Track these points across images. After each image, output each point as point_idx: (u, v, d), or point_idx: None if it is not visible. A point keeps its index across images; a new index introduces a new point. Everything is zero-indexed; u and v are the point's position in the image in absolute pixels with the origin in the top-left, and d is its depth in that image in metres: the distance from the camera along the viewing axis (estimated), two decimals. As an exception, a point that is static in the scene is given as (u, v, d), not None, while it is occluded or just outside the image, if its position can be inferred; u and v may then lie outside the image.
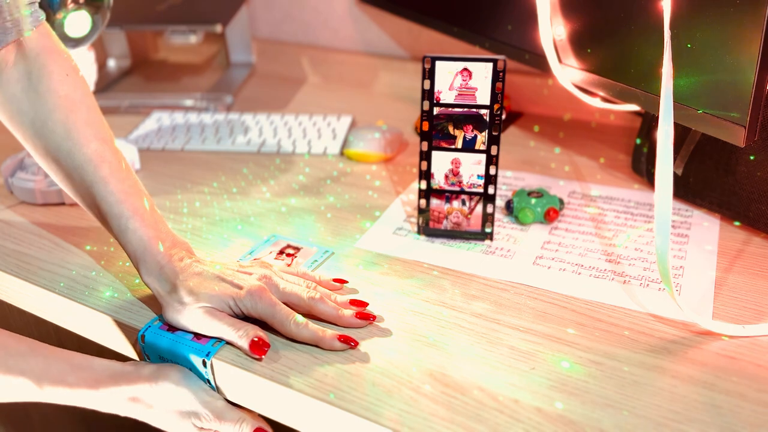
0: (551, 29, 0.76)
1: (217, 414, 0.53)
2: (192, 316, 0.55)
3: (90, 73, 0.80)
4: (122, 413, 0.55)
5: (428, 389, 0.50)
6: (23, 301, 0.66)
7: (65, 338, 0.99)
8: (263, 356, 0.53)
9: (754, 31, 0.54)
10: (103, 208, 0.59)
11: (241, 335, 0.54)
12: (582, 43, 0.73)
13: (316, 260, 0.66)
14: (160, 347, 0.55)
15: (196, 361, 0.54)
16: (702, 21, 0.58)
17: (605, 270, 0.64)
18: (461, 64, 0.64)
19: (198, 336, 0.55)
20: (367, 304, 0.59)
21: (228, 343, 0.55)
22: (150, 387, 0.54)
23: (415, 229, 0.71)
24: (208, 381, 0.55)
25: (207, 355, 0.53)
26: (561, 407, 0.48)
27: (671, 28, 0.55)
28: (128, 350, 0.60)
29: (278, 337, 0.55)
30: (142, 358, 0.58)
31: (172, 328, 0.56)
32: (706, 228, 0.71)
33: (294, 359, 0.53)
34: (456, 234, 0.69)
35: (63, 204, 0.77)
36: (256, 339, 0.53)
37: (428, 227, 0.70)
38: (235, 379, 0.53)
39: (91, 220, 0.74)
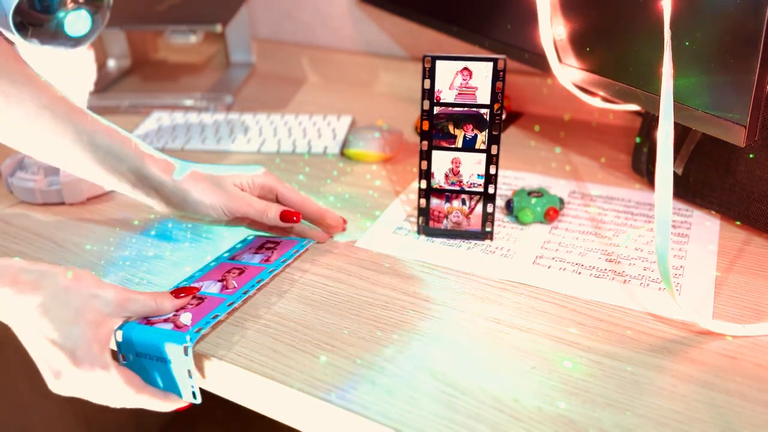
0: (551, 29, 0.76)
1: (74, 358, 0.50)
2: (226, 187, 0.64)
3: (90, 73, 0.80)
4: None
5: (429, 388, 0.50)
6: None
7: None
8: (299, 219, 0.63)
9: (755, 31, 0.54)
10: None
11: (268, 206, 0.64)
12: (582, 43, 0.73)
13: (297, 250, 0.66)
14: (135, 341, 0.54)
15: (176, 352, 0.52)
16: (702, 20, 0.58)
17: (605, 270, 0.64)
18: (461, 64, 0.64)
19: (178, 325, 0.54)
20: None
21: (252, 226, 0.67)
22: (28, 294, 0.50)
23: (415, 228, 0.71)
24: (190, 375, 0.53)
25: (189, 341, 0.52)
26: (562, 406, 0.48)
27: (671, 27, 0.55)
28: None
29: (279, 338, 0.56)
30: (116, 359, 0.55)
31: (150, 322, 0.55)
32: (707, 227, 0.71)
33: (294, 359, 0.53)
34: (456, 233, 0.69)
35: (63, 204, 0.77)
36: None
37: (428, 227, 0.70)
38: (234, 378, 0.53)
39: (91, 220, 0.74)
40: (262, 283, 0.61)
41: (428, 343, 0.54)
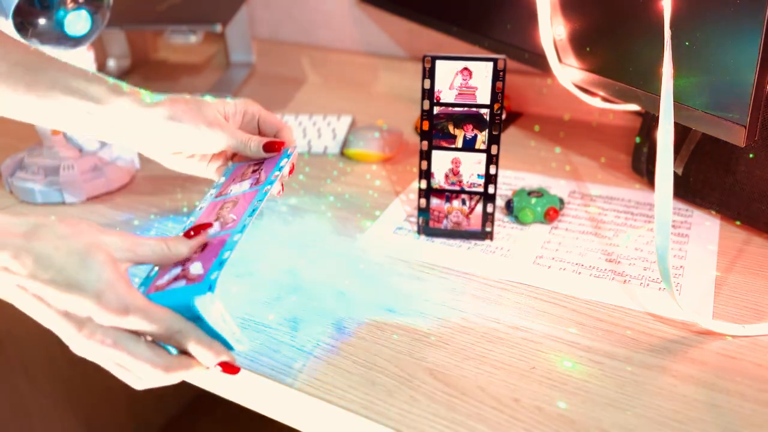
0: (551, 29, 0.76)
1: (113, 307, 0.45)
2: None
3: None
4: None
5: (429, 389, 0.50)
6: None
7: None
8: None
9: (754, 31, 0.54)
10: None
11: (250, 139, 0.62)
12: (582, 43, 0.73)
13: (286, 159, 0.62)
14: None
15: (205, 304, 0.47)
16: (702, 20, 0.58)
17: (605, 270, 0.64)
18: (461, 64, 0.64)
19: (191, 278, 0.49)
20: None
21: None
22: (23, 246, 0.46)
23: (415, 228, 0.71)
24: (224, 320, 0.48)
25: (210, 288, 0.47)
26: (561, 407, 0.48)
27: (671, 27, 0.55)
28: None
29: (279, 337, 0.55)
30: None
31: (159, 287, 0.50)
32: (707, 227, 0.71)
33: (294, 359, 0.53)
34: (456, 233, 0.69)
35: (63, 203, 0.77)
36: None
37: (428, 227, 0.70)
38: (234, 378, 0.53)
39: (91, 220, 0.74)
40: (261, 205, 0.56)
41: (428, 344, 0.54)
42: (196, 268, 0.50)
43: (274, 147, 0.62)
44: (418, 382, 0.50)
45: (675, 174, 0.73)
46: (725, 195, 0.71)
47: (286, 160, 0.62)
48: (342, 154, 0.90)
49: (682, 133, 0.73)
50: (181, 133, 0.60)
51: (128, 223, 0.74)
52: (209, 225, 0.54)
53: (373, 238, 0.70)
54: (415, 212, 0.73)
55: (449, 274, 0.64)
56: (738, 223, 0.71)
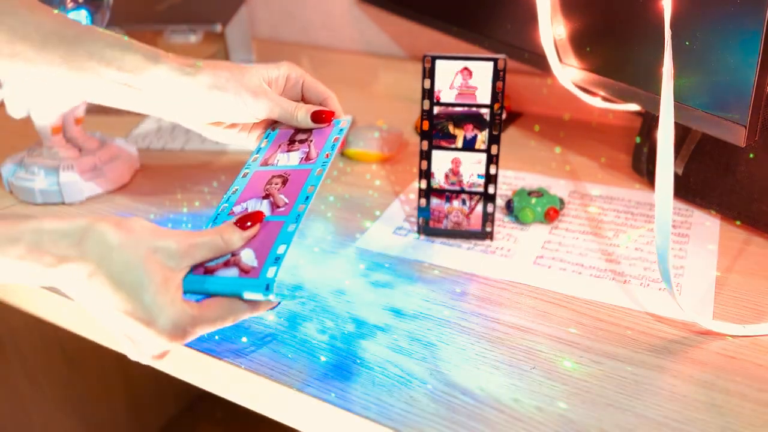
0: (551, 28, 0.75)
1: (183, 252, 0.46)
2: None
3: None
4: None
5: (429, 389, 0.50)
6: (24, 302, 0.66)
7: (66, 341, 0.99)
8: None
9: (755, 31, 0.54)
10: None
11: (297, 107, 0.58)
12: (582, 43, 0.73)
13: (337, 137, 0.57)
14: (199, 298, 0.47)
15: (256, 296, 0.46)
16: (703, 20, 0.58)
17: (606, 270, 0.64)
18: (461, 63, 0.64)
19: (244, 269, 0.47)
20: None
21: None
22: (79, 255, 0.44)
23: (415, 228, 0.71)
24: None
25: (267, 289, 0.45)
26: (562, 407, 0.48)
27: (672, 27, 0.55)
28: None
29: (282, 339, 0.55)
30: None
31: (208, 269, 0.48)
32: (707, 227, 0.71)
33: (294, 359, 0.53)
34: (456, 233, 0.69)
35: (63, 203, 0.77)
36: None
37: (428, 227, 0.70)
38: (234, 378, 0.53)
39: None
40: (315, 192, 0.52)
41: (428, 343, 0.54)
42: (248, 257, 0.48)
43: (323, 117, 0.58)
44: (418, 382, 0.50)
45: (675, 174, 0.73)
46: (725, 195, 0.70)
47: (338, 136, 0.57)
48: (342, 154, 0.90)
49: (682, 133, 0.73)
50: (223, 103, 0.56)
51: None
52: (262, 215, 0.50)
53: (373, 238, 0.70)
54: (415, 212, 0.73)
55: (449, 274, 0.64)
56: (738, 223, 0.71)
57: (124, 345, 0.47)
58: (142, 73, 0.55)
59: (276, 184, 0.53)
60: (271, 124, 0.62)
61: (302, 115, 0.58)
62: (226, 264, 0.48)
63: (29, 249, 0.44)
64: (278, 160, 0.56)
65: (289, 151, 0.57)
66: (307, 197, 0.51)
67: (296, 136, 0.58)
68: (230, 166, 0.87)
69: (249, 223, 0.49)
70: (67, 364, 1.02)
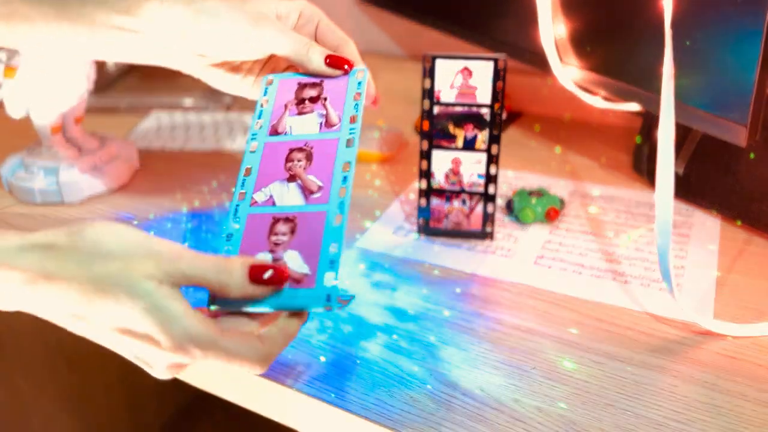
0: (552, 28, 0.75)
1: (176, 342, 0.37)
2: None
3: (88, 73, 0.80)
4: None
5: (429, 389, 0.50)
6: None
7: (66, 341, 0.99)
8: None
9: (755, 30, 0.54)
10: None
11: (310, 44, 0.49)
12: (583, 42, 0.73)
13: (359, 93, 0.49)
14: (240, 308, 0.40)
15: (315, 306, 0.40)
16: (703, 20, 0.58)
17: (606, 270, 0.64)
18: (462, 63, 0.64)
19: (295, 278, 0.40)
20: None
21: None
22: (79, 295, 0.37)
23: (416, 228, 0.71)
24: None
25: (328, 300, 0.39)
26: (562, 407, 0.48)
27: (672, 26, 0.55)
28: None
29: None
30: None
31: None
32: (707, 227, 0.71)
33: (294, 359, 0.53)
34: (456, 233, 0.69)
35: (62, 204, 0.77)
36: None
37: (428, 227, 0.70)
38: (233, 378, 0.53)
39: (89, 219, 0.74)
40: (353, 171, 0.44)
41: (429, 344, 0.54)
42: (294, 261, 0.41)
43: (341, 63, 0.50)
44: (418, 382, 0.50)
45: (676, 174, 0.73)
46: (726, 195, 0.70)
47: (358, 92, 0.49)
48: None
49: (683, 133, 0.73)
50: (216, 32, 0.48)
51: (127, 222, 0.74)
52: (286, 275, 0.40)
53: (373, 239, 0.70)
54: (415, 212, 0.73)
55: (449, 275, 0.64)
56: (739, 223, 0.71)
57: (137, 363, 0.41)
58: (136, 11, 0.49)
59: (299, 161, 0.45)
60: (273, 70, 0.54)
61: (317, 56, 0.49)
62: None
63: None
64: (290, 127, 0.47)
65: (300, 113, 0.48)
66: (345, 177, 0.44)
67: (304, 92, 0.49)
68: (230, 166, 0.87)
69: (266, 277, 0.39)
70: (67, 364, 1.02)
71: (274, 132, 0.48)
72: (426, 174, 0.68)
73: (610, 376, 0.51)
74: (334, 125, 0.47)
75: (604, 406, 0.48)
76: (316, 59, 0.50)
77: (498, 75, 0.64)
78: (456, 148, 0.67)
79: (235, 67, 0.53)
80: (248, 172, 0.46)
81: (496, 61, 0.63)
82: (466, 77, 0.64)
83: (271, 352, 0.40)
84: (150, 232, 0.71)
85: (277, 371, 0.52)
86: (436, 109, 0.66)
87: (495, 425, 0.46)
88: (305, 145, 0.46)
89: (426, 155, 0.67)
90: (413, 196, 0.78)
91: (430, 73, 0.65)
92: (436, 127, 0.66)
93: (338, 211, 0.43)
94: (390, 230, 0.71)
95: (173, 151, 0.92)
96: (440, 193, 0.68)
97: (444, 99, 0.65)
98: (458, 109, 0.65)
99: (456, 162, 0.67)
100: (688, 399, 0.48)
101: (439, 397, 0.49)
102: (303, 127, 0.47)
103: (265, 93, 0.50)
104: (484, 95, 0.64)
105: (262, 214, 0.44)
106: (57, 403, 1.04)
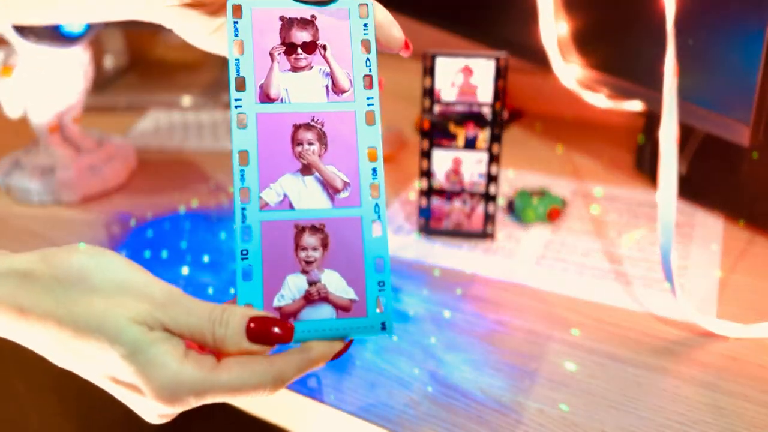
0: (554, 26, 0.75)
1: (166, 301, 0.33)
2: None
3: (86, 72, 0.79)
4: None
5: (430, 390, 0.49)
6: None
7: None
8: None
9: (759, 29, 0.53)
10: None
11: None
12: (585, 41, 0.73)
13: (370, 62, 0.39)
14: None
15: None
16: (706, 18, 0.58)
17: (608, 270, 0.64)
18: (462, 61, 0.63)
19: (341, 306, 0.35)
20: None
21: None
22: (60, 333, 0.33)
23: (416, 228, 0.71)
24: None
25: (383, 329, 0.34)
26: (564, 409, 0.47)
27: (675, 25, 0.55)
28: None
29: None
30: None
31: (285, 313, 0.35)
32: (710, 227, 0.70)
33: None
34: (457, 233, 0.69)
35: (59, 203, 0.76)
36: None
37: (429, 227, 0.69)
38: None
39: (87, 219, 0.74)
40: (381, 158, 0.38)
41: (429, 345, 0.54)
42: (336, 284, 0.35)
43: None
44: (419, 384, 0.50)
45: (678, 174, 0.72)
46: (729, 195, 0.70)
47: (366, 39, 0.39)
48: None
49: (685, 133, 0.72)
50: None
51: (125, 222, 0.73)
52: (290, 334, 0.34)
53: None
54: (416, 212, 0.72)
55: (450, 275, 0.63)
56: (741, 223, 0.70)
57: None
58: None
59: (311, 144, 0.36)
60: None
61: None
62: (309, 299, 0.34)
63: None
64: (286, 90, 0.36)
65: (295, 68, 0.37)
66: (374, 170, 0.37)
67: (292, 34, 0.37)
68: (228, 166, 0.86)
69: (267, 332, 0.33)
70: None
71: (266, 98, 0.36)
72: (426, 174, 0.68)
73: (612, 378, 0.50)
74: (345, 91, 0.37)
75: (606, 408, 0.47)
76: None
77: (499, 73, 0.63)
78: (457, 148, 0.66)
79: (211, 11, 0.42)
80: (245, 159, 0.35)
81: (497, 59, 0.63)
82: (466, 76, 0.64)
83: (283, 374, 0.34)
84: (148, 231, 0.71)
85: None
86: (436, 108, 0.65)
87: (496, 427, 0.46)
88: (313, 120, 0.36)
89: (426, 155, 0.67)
90: (413, 196, 0.78)
91: (430, 71, 0.64)
92: (437, 127, 0.66)
93: (375, 216, 0.36)
94: (390, 230, 0.71)
95: (171, 151, 0.91)
96: (441, 193, 0.68)
97: (444, 98, 0.65)
98: (459, 108, 0.65)
99: (457, 161, 0.66)
100: (691, 400, 0.48)
101: (440, 398, 0.48)
102: (303, 91, 0.37)
103: (236, 33, 0.37)
104: (485, 94, 0.64)
105: (280, 221, 0.35)
106: (56, 403, 1.04)
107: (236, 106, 0.36)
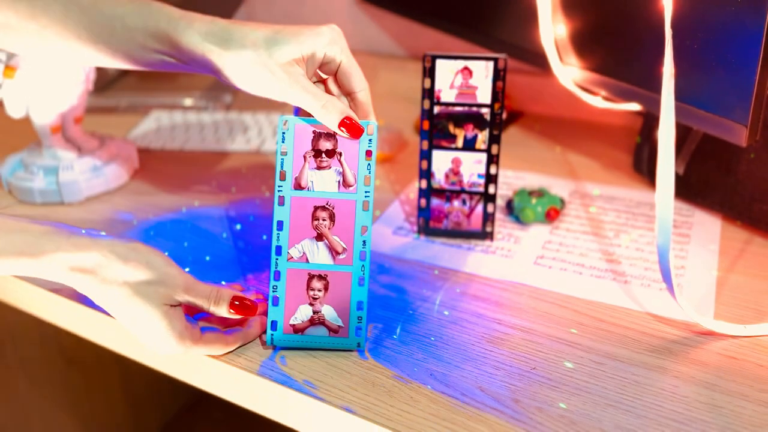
0: (552, 28, 0.75)
1: (186, 287, 0.50)
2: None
3: (88, 73, 0.80)
4: (64, 282, 0.50)
5: (429, 389, 0.49)
6: (23, 302, 0.66)
7: (65, 339, 0.99)
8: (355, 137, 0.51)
9: (756, 30, 0.54)
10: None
11: (326, 105, 0.50)
12: (583, 42, 0.73)
13: (369, 150, 0.52)
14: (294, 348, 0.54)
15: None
16: (704, 19, 0.58)
17: (606, 270, 0.64)
18: (462, 63, 0.64)
19: (332, 329, 0.52)
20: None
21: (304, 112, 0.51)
22: (106, 259, 0.49)
23: (416, 228, 0.71)
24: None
25: (358, 347, 0.53)
26: (562, 407, 0.48)
27: (672, 26, 0.55)
28: (137, 354, 0.60)
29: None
30: None
31: (297, 328, 0.53)
32: (708, 227, 0.70)
33: (294, 360, 0.53)
34: (456, 233, 0.69)
35: (62, 203, 0.77)
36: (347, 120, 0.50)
37: (428, 227, 0.70)
38: (233, 379, 0.53)
39: (90, 219, 0.74)
40: (370, 234, 0.52)
41: (429, 344, 0.54)
42: (331, 315, 0.52)
43: (352, 131, 0.51)
44: (418, 382, 0.50)
45: (676, 174, 0.73)
46: (726, 195, 0.70)
47: (369, 150, 0.52)
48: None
49: (683, 133, 0.72)
50: (252, 82, 0.53)
51: (127, 222, 0.73)
52: (255, 310, 0.52)
53: (373, 239, 0.70)
54: (415, 212, 0.72)
55: (449, 275, 0.63)
56: (739, 223, 0.71)
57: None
58: (177, 44, 0.52)
59: (324, 220, 0.52)
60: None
61: (332, 116, 0.50)
62: (312, 322, 0.52)
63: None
64: (312, 182, 0.52)
65: (320, 167, 0.52)
66: (364, 242, 0.52)
67: (320, 143, 0.52)
68: (229, 166, 0.87)
69: (238, 304, 0.51)
70: (66, 364, 1.02)
71: (298, 186, 0.52)
72: (426, 174, 0.68)
73: (610, 377, 0.51)
74: (351, 186, 0.52)
75: (605, 407, 0.48)
76: (330, 120, 0.51)
77: (498, 75, 0.64)
78: (456, 148, 0.66)
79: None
80: (280, 226, 0.52)
81: (496, 60, 0.63)
82: (466, 77, 0.64)
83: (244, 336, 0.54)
84: (150, 232, 0.71)
85: (277, 371, 0.52)
86: (436, 109, 0.66)
87: (495, 426, 0.46)
88: (327, 204, 0.52)
89: (426, 155, 0.67)
90: (413, 196, 0.78)
91: (430, 72, 0.65)
92: (436, 127, 0.66)
93: (360, 274, 0.52)
94: (390, 230, 0.71)
95: (173, 151, 0.92)
96: (440, 193, 0.68)
97: (444, 99, 0.65)
98: (458, 108, 0.65)
99: (456, 162, 0.67)
100: (689, 399, 0.48)
101: (439, 397, 0.49)
102: (323, 183, 0.52)
103: (283, 139, 0.53)
104: (484, 95, 0.64)
105: (299, 269, 0.52)
106: (56, 403, 1.04)
107: (278, 190, 0.52)
